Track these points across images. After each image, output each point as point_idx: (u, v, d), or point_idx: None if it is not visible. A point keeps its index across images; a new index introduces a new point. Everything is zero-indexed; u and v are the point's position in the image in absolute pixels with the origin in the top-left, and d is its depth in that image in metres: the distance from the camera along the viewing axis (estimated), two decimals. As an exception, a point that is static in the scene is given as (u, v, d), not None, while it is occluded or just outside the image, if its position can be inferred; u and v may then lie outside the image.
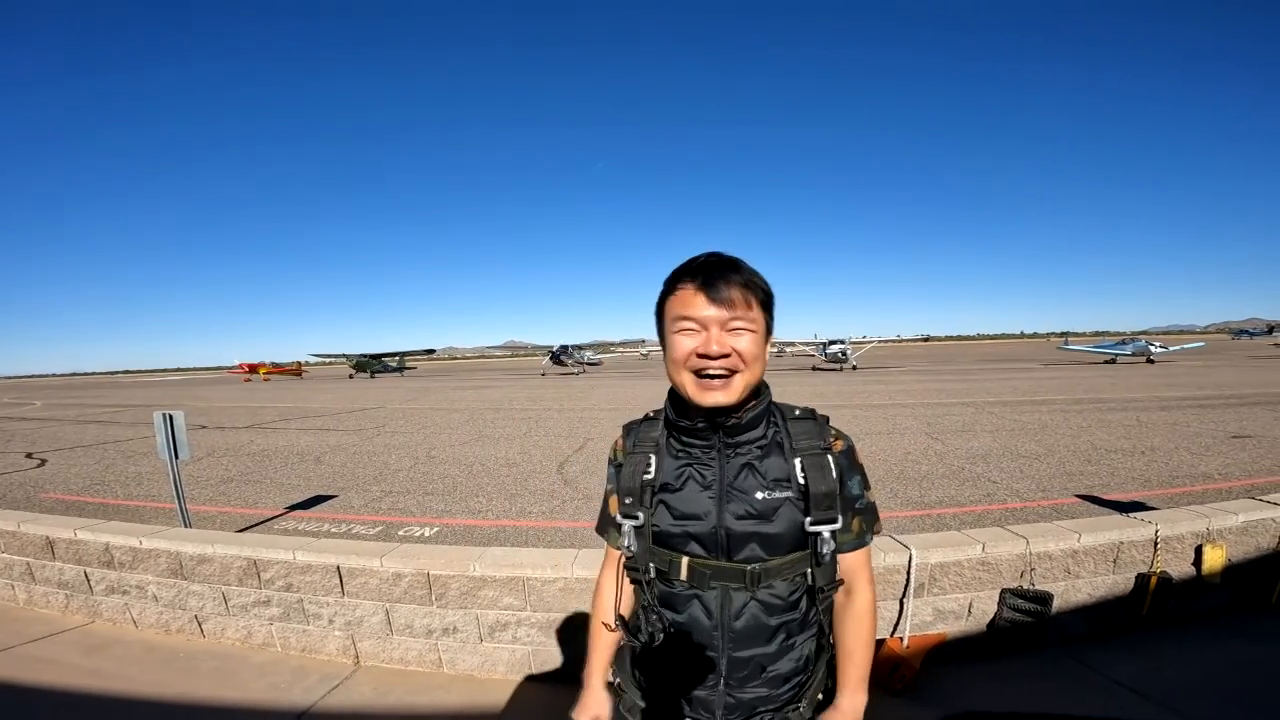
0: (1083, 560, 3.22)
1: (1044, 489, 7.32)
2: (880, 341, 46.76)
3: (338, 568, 3.28)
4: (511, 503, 7.62)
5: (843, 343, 39.86)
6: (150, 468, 10.59)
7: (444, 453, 11.43)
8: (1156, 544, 3.26)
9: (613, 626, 1.42)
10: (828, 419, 1.36)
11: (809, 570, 1.28)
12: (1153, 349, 35.80)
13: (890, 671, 2.95)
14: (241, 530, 6.28)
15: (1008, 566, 3.14)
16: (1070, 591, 3.23)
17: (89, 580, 3.85)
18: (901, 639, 3.04)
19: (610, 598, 1.43)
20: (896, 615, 3.09)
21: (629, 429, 1.42)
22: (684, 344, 1.20)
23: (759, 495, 1.24)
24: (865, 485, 1.37)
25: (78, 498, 8.50)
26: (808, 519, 1.24)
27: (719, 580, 1.25)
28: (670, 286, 1.24)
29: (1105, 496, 6.84)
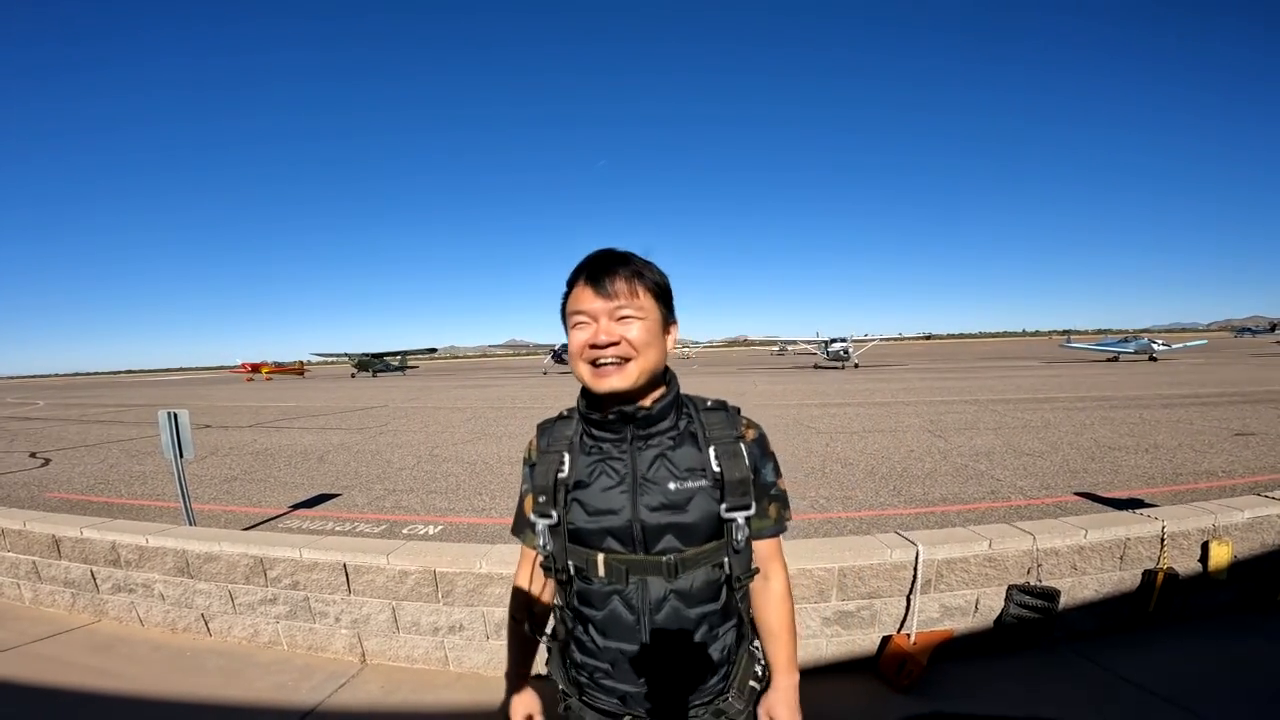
0: (1089, 556, 3.21)
1: (1048, 486, 7.32)
2: (882, 339, 46.73)
3: (344, 565, 3.28)
4: (515, 500, 7.62)
5: (845, 341, 39.80)
6: (154, 467, 10.61)
7: (447, 451, 11.43)
8: (1163, 540, 3.25)
9: (527, 629, 1.44)
10: (739, 409, 1.40)
11: (726, 559, 1.30)
12: (1155, 347, 35.77)
13: (898, 668, 2.95)
14: (247, 529, 6.29)
15: (1014, 563, 3.14)
16: (1077, 588, 3.23)
17: (95, 579, 3.86)
18: (908, 636, 3.04)
19: (524, 598, 1.45)
20: (903, 612, 3.09)
21: (543, 428, 1.43)
22: (578, 337, 1.26)
23: (672, 485, 1.26)
24: (777, 473, 1.41)
25: (82, 497, 8.52)
26: (722, 506, 1.27)
27: (637, 574, 1.26)
28: (568, 287, 1.29)
29: (1108, 494, 6.83)
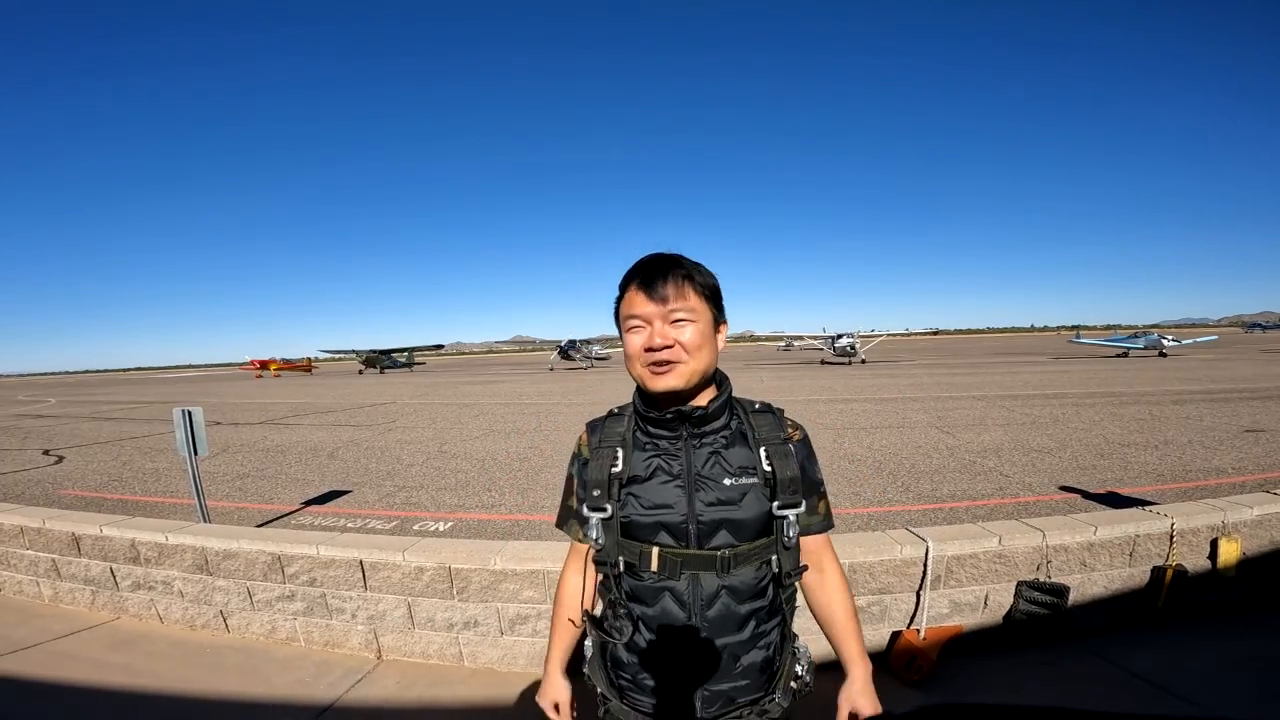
0: (1098, 553, 3.23)
1: (1056, 483, 7.32)
2: (889, 335, 46.55)
3: (360, 562, 3.33)
4: (524, 497, 7.68)
5: (851, 336, 39.70)
6: (167, 464, 10.71)
7: (455, 447, 11.51)
8: (1172, 537, 3.26)
9: (579, 623, 1.46)
10: (783, 411, 1.46)
11: (775, 556, 1.34)
12: (1165, 342, 35.60)
13: (907, 664, 2.98)
14: (260, 525, 6.36)
15: (1024, 559, 3.16)
16: (1086, 584, 3.24)
17: (115, 576, 3.91)
18: (918, 631, 3.06)
19: (576, 593, 1.48)
20: (913, 607, 3.12)
21: (593, 426, 1.47)
22: (634, 341, 1.29)
23: (727, 482, 1.31)
24: (820, 472, 1.47)
25: (96, 494, 8.61)
26: (774, 504, 1.31)
27: (689, 569, 1.30)
28: (621, 291, 1.34)
29: (1102, 491, 6.83)
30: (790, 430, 1.41)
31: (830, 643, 1.47)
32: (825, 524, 1.44)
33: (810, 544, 1.43)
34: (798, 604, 1.47)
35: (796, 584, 1.42)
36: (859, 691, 1.39)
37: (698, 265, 1.33)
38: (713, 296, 1.34)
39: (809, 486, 1.39)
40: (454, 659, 3.34)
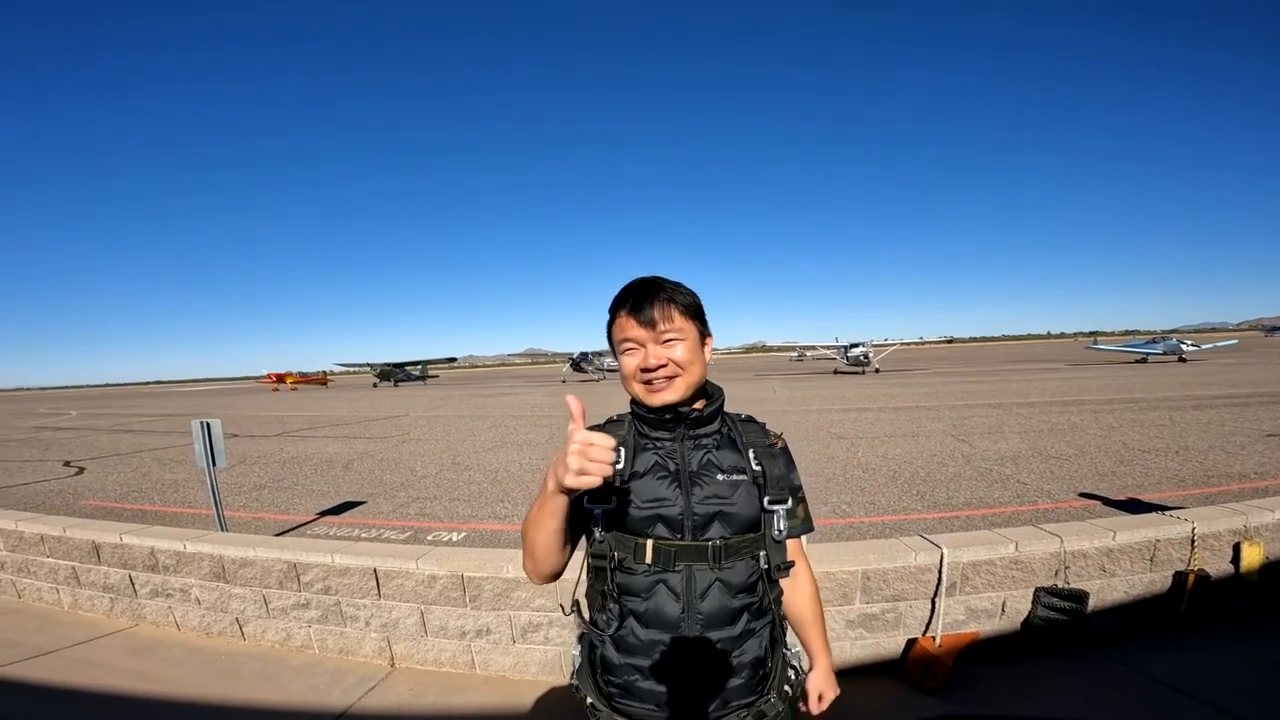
0: (1118, 558, 3.19)
1: (1075, 490, 7.22)
2: (903, 344, 46.30)
3: (375, 570, 3.35)
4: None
5: (864, 345, 39.48)
6: (185, 475, 10.82)
7: (468, 459, 11.53)
8: (1194, 542, 3.21)
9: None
10: (765, 424, 1.58)
11: (763, 552, 1.40)
12: (1184, 347, 35.14)
13: (923, 670, 2.95)
14: (277, 535, 6.40)
15: (1041, 565, 3.12)
16: (1106, 590, 3.20)
17: (134, 584, 3.96)
18: (934, 638, 3.03)
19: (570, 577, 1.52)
20: (929, 614, 3.09)
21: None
22: (629, 362, 1.39)
23: (720, 477, 1.39)
24: (799, 478, 1.56)
25: (116, 504, 8.71)
26: (765, 499, 1.40)
27: (684, 560, 1.34)
28: (611, 316, 1.42)
29: (1124, 498, 6.74)
30: (774, 438, 1.52)
31: (799, 638, 1.61)
32: (805, 527, 1.52)
33: (789, 546, 1.49)
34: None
35: (782, 584, 1.48)
36: (824, 678, 1.57)
37: (678, 286, 1.41)
38: (696, 313, 1.41)
39: (792, 490, 1.48)
40: (466, 666, 3.35)
